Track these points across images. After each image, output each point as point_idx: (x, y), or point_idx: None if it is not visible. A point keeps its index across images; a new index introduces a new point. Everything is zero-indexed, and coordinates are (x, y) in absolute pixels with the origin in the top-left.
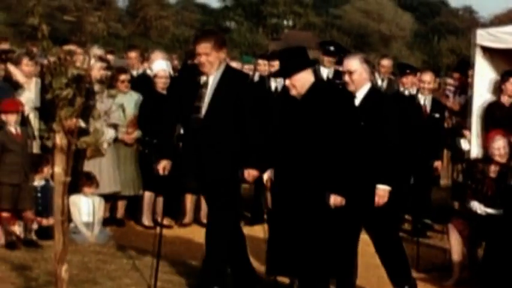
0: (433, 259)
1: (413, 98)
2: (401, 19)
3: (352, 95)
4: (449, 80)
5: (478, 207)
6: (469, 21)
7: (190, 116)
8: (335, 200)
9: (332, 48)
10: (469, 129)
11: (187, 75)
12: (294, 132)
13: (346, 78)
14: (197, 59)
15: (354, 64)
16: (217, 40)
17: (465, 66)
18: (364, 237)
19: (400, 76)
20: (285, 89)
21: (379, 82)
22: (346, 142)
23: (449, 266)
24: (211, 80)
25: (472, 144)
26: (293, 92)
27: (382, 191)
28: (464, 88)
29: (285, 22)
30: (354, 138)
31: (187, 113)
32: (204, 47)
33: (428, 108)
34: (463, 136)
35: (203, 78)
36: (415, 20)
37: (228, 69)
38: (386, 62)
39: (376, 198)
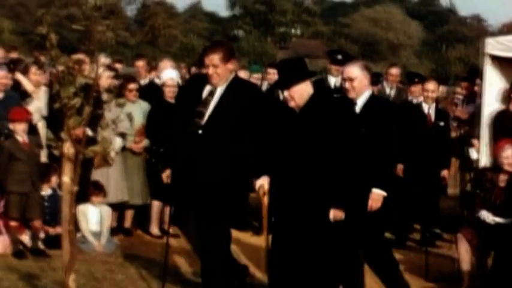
0: (442, 268)
1: (418, 107)
2: (410, 27)
3: (352, 104)
4: (458, 89)
5: (486, 216)
6: (478, 30)
7: (191, 120)
8: (335, 214)
9: (340, 56)
10: (478, 138)
11: (194, 84)
12: (292, 145)
13: (347, 85)
14: (206, 70)
15: (355, 71)
16: (225, 52)
17: (475, 75)
18: None
19: (409, 85)
20: (284, 100)
21: (388, 90)
22: (345, 156)
23: (458, 275)
24: (219, 89)
25: (480, 153)
26: (291, 104)
27: (377, 195)
28: (473, 97)
29: (293, 31)
30: (352, 152)
31: (190, 117)
32: (212, 59)
33: (432, 117)
34: (471, 145)
35: (211, 87)
36: (424, 29)
37: (236, 80)
38: (394, 71)
39: (370, 202)
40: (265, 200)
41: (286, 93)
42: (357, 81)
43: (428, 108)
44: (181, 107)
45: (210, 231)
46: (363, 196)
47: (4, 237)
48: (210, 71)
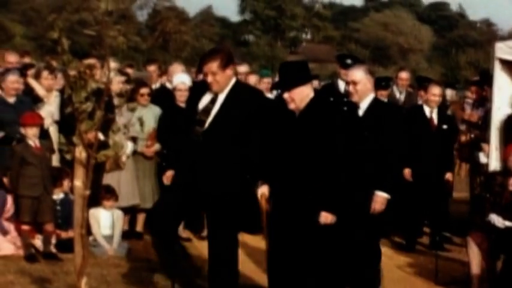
0: (452, 272)
1: (421, 111)
2: (420, 32)
3: (355, 107)
4: (468, 93)
5: (496, 220)
6: (488, 34)
7: (193, 128)
8: (325, 218)
9: (349, 61)
10: (488, 142)
11: (197, 91)
12: (290, 147)
13: (351, 88)
14: (205, 77)
15: (359, 75)
16: (223, 59)
17: (486, 79)
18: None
19: (419, 89)
20: (282, 102)
21: (398, 95)
22: (339, 159)
23: (468, 279)
24: (220, 96)
25: (490, 157)
26: (291, 106)
27: (380, 198)
28: (483, 101)
29: (304, 35)
30: (348, 155)
31: (192, 125)
32: (210, 67)
33: (435, 121)
34: (481, 149)
35: (212, 95)
36: (434, 33)
37: (237, 86)
38: (404, 75)
39: (373, 204)
40: (266, 206)
41: (286, 94)
42: (360, 85)
43: (431, 112)
44: (190, 111)
45: (217, 237)
46: (364, 199)
47: (15, 240)
48: (209, 79)
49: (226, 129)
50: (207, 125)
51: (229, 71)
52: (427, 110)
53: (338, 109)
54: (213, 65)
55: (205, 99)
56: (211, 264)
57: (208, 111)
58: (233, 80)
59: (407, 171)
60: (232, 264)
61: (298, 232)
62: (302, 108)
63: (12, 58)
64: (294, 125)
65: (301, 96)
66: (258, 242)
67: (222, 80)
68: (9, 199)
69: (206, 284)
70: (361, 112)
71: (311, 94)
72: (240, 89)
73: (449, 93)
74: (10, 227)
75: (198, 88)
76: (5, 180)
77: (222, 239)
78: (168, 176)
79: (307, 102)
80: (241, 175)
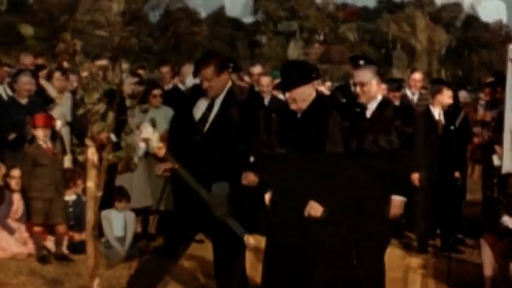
0: (465, 274)
1: (427, 112)
2: (433, 33)
3: (363, 108)
4: (481, 95)
5: (510, 222)
6: (501, 35)
7: (190, 136)
8: (311, 207)
9: (362, 62)
10: (501, 144)
11: (194, 96)
12: (292, 148)
13: (358, 89)
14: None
15: (366, 76)
16: (217, 64)
17: (500, 81)
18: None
19: (433, 93)
20: (284, 103)
21: (410, 96)
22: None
23: (481, 281)
24: (217, 102)
25: (504, 159)
26: (293, 106)
27: (399, 202)
28: (496, 103)
29: (316, 36)
30: (346, 155)
31: (189, 134)
32: (204, 73)
33: (443, 122)
34: (494, 151)
35: (208, 101)
36: (447, 34)
37: (232, 90)
38: (417, 76)
39: (392, 210)
40: None
41: (287, 95)
42: (367, 86)
43: (439, 115)
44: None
45: (223, 244)
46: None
47: (27, 241)
48: (205, 84)
49: (223, 135)
50: (204, 131)
51: (224, 76)
52: (435, 111)
53: (340, 108)
54: (208, 71)
55: (202, 105)
56: (217, 271)
57: (206, 119)
58: (229, 84)
59: (415, 176)
60: (239, 270)
61: (299, 234)
62: (304, 109)
63: (26, 60)
64: (295, 125)
65: (302, 96)
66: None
67: (218, 86)
68: (16, 199)
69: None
70: (368, 113)
71: (313, 94)
72: (235, 92)
73: (463, 95)
74: (21, 227)
75: (194, 93)
76: (12, 181)
77: (228, 245)
78: (159, 167)
79: (310, 102)
80: (240, 177)
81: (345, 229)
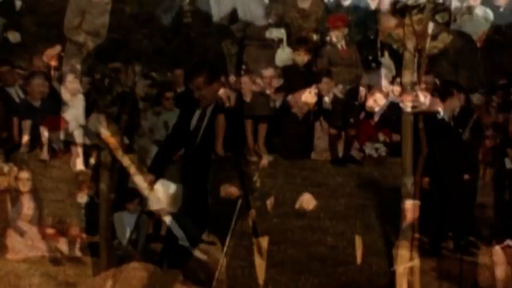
0: (477, 277)
1: (436, 116)
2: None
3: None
4: (494, 97)
5: None
6: None
7: (185, 147)
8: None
9: (373, 65)
10: None
11: (187, 105)
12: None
13: (364, 93)
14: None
15: (372, 79)
16: (207, 74)
17: None
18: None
19: (444, 96)
20: (287, 105)
21: (422, 99)
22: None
23: (493, 284)
24: (207, 112)
25: None
26: (295, 109)
27: (412, 206)
28: (508, 105)
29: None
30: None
31: (183, 145)
32: (195, 83)
33: (452, 124)
34: (507, 155)
35: (200, 111)
36: (458, 36)
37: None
38: (428, 79)
39: (408, 214)
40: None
41: (290, 97)
42: (374, 90)
43: (449, 118)
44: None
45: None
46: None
47: (39, 243)
48: (196, 94)
49: (213, 145)
50: (197, 141)
51: (215, 86)
52: (445, 114)
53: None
54: (198, 81)
55: (195, 117)
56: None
57: (199, 130)
58: (220, 92)
59: (425, 180)
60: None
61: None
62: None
63: (39, 62)
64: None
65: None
66: None
67: (209, 95)
68: (25, 201)
69: None
70: (376, 118)
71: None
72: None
73: (475, 97)
74: (32, 229)
75: (184, 102)
76: (19, 183)
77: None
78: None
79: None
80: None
81: None
